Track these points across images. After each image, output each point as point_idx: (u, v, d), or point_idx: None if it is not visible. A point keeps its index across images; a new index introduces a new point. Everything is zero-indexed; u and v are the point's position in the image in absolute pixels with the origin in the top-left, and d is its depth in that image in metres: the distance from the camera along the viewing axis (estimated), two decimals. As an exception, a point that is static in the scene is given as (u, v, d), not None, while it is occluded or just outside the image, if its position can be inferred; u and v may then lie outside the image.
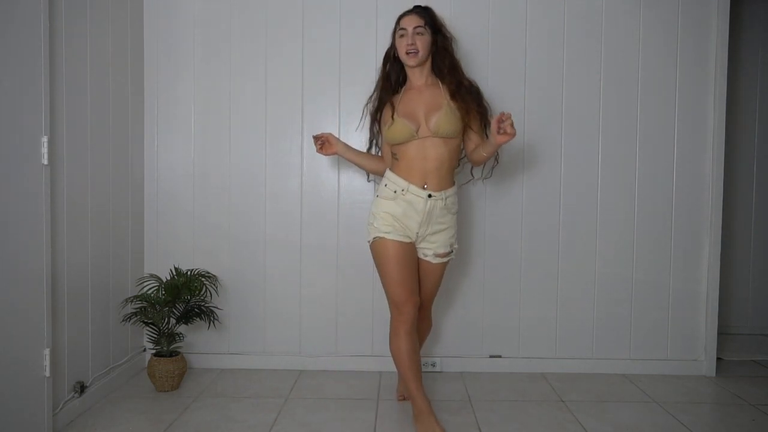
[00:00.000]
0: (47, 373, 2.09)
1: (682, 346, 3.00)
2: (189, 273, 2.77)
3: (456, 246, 2.36)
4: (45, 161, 2.07)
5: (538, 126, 2.95)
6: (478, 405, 2.53)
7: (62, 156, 2.24)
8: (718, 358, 3.03)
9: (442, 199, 2.23)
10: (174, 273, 2.77)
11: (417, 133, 2.20)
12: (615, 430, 2.29)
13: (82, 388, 2.36)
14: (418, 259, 2.33)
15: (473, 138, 2.30)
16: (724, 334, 3.57)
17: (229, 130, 2.99)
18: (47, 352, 2.09)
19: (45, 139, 2.07)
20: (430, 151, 2.21)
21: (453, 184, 2.29)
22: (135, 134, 2.89)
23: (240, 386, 2.74)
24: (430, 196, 2.21)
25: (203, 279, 2.77)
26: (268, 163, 2.98)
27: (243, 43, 2.97)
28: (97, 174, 2.50)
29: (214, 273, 2.92)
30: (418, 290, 2.28)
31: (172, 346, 2.71)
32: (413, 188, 2.21)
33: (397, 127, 2.22)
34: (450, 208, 2.27)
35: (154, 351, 2.72)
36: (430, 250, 2.29)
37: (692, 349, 3.00)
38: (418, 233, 2.24)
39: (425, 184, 2.21)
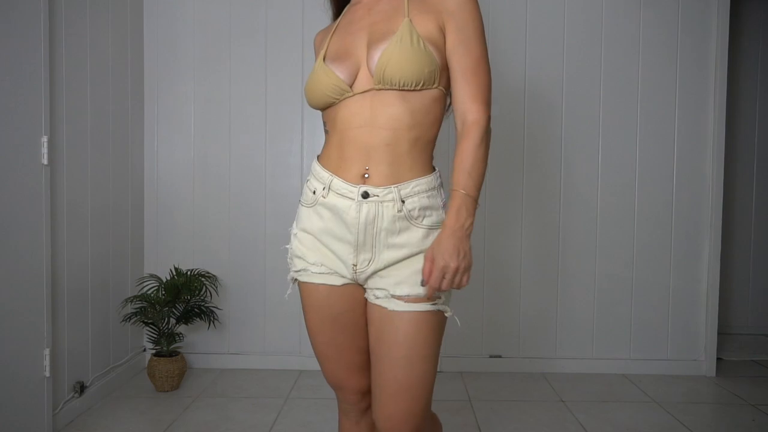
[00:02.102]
0: (47, 373, 2.09)
1: (682, 346, 3.00)
2: (189, 273, 2.77)
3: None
4: (45, 161, 2.07)
5: (538, 125, 2.95)
6: (478, 405, 2.53)
7: (62, 156, 2.24)
8: (718, 358, 3.03)
9: (393, 200, 1.20)
10: (174, 273, 2.77)
11: (352, 86, 1.23)
12: (615, 430, 2.29)
13: (82, 388, 2.36)
14: (367, 306, 1.28)
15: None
16: (724, 334, 3.57)
17: (229, 130, 2.99)
18: (47, 352, 2.09)
19: (45, 139, 2.07)
20: (378, 115, 1.20)
21: (425, 172, 1.24)
22: (135, 134, 2.89)
23: (240, 386, 2.74)
24: (365, 195, 1.20)
25: (203, 279, 2.77)
26: (268, 163, 2.98)
27: (243, 42, 2.97)
28: (97, 174, 2.50)
29: (214, 273, 2.92)
30: (366, 365, 1.33)
31: (172, 346, 2.71)
32: (338, 183, 1.23)
33: (315, 77, 1.26)
34: (414, 217, 1.22)
35: (154, 351, 2.72)
36: (381, 290, 1.23)
37: (692, 349, 3.00)
38: (355, 266, 1.24)
39: (365, 173, 1.22)
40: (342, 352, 1.31)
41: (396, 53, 1.17)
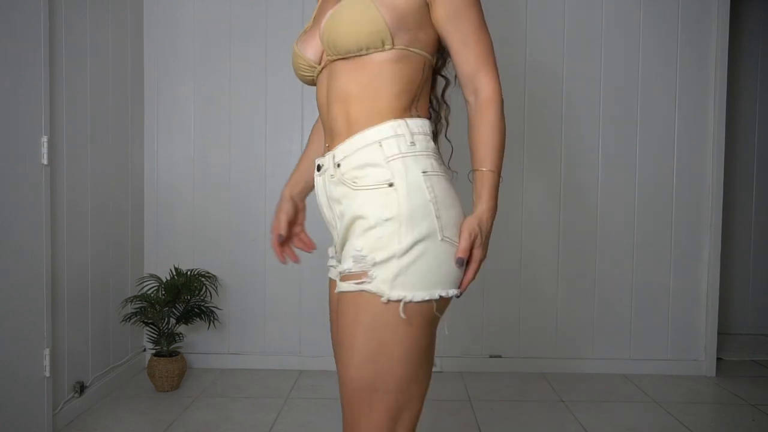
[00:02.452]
0: (47, 373, 2.09)
1: (682, 346, 3.00)
2: (189, 273, 2.77)
3: (378, 269, 1.02)
4: (45, 161, 2.07)
5: (538, 126, 2.95)
6: (478, 405, 2.53)
7: (62, 156, 2.24)
8: (718, 358, 3.03)
9: (330, 163, 1.11)
10: (174, 273, 2.77)
11: (320, 62, 1.16)
12: (615, 430, 2.29)
13: (82, 388, 2.36)
14: None
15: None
16: (724, 334, 3.57)
17: (229, 129, 2.99)
18: (47, 352, 2.09)
19: (45, 139, 2.07)
20: (331, 90, 1.12)
21: (376, 121, 1.07)
22: (135, 134, 2.89)
23: (240, 386, 2.74)
24: (318, 168, 1.16)
25: (203, 279, 2.77)
26: (268, 163, 2.98)
27: (243, 42, 2.96)
28: (97, 174, 2.50)
29: (214, 273, 2.91)
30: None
31: (172, 346, 2.71)
32: (318, 160, 1.17)
33: (293, 58, 1.21)
34: (350, 179, 1.08)
35: (153, 351, 2.72)
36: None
37: (692, 349, 3.00)
38: (335, 245, 1.20)
39: (328, 145, 1.15)
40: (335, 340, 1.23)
41: (336, 17, 1.07)
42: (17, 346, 1.95)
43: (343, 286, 1.05)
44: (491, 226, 1.06)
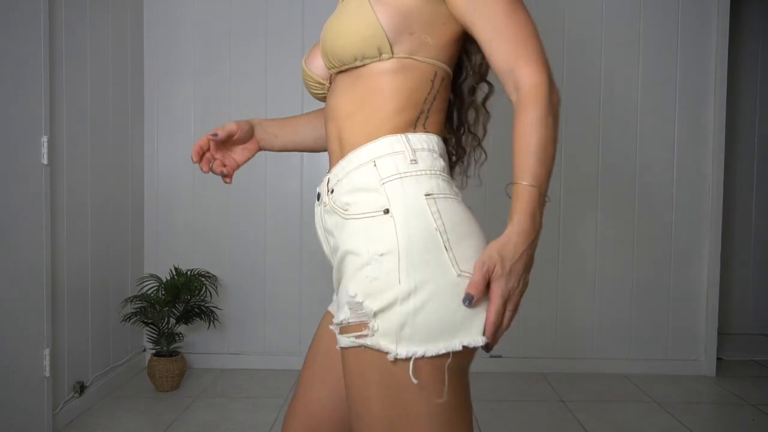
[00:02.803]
0: (47, 373, 2.09)
1: (682, 346, 3.00)
2: (189, 273, 2.77)
3: (376, 318, 0.83)
4: (45, 161, 2.07)
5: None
6: (478, 405, 2.53)
7: (62, 156, 2.24)
8: (718, 358, 3.03)
9: (325, 189, 0.97)
10: (174, 273, 2.77)
11: (324, 80, 1.04)
12: (615, 430, 2.29)
13: (82, 388, 2.36)
14: None
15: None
16: (724, 334, 3.56)
17: (229, 130, 2.99)
18: (47, 352, 2.09)
19: (45, 139, 2.07)
20: (331, 107, 0.98)
21: (371, 139, 0.91)
22: (135, 134, 2.89)
23: (240, 386, 2.74)
24: (318, 197, 1.00)
25: (203, 279, 2.77)
26: (268, 163, 2.98)
27: (243, 42, 2.96)
28: (97, 174, 2.50)
29: (214, 273, 2.91)
30: (321, 407, 1.03)
31: (172, 346, 2.71)
32: (318, 188, 1.01)
33: (303, 75, 1.08)
34: (341, 207, 0.92)
35: (153, 351, 2.72)
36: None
37: (692, 349, 3.00)
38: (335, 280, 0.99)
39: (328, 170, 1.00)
40: (303, 381, 1.08)
41: (331, 23, 0.94)
42: (17, 346, 1.95)
43: (342, 341, 0.86)
44: (525, 254, 0.82)
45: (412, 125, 0.91)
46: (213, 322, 2.81)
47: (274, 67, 2.97)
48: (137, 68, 2.90)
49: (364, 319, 0.83)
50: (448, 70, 0.94)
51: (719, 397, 2.67)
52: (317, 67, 1.03)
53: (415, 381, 0.79)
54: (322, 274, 3.00)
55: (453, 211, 0.86)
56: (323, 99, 1.06)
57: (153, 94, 2.98)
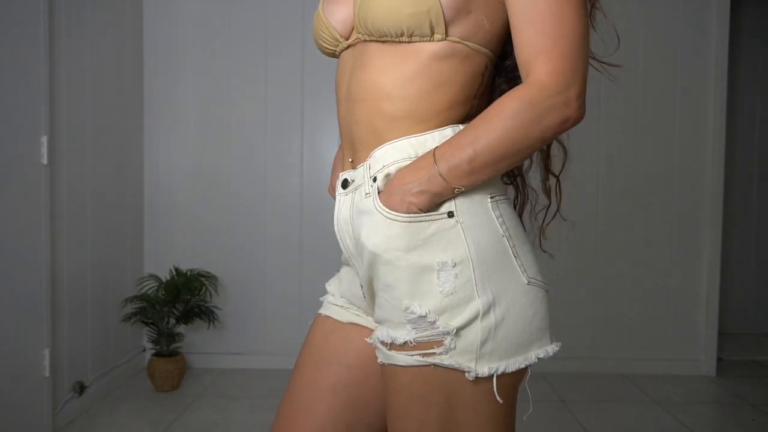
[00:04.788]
0: (47, 373, 2.09)
1: (682, 346, 3.00)
2: (189, 273, 2.77)
3: (437, 326, 0.75)
4: (45, 161, 2.07)
5: (538, 126, 2.95)
6: (478, 405, 2.53)
7: (62, 156, 2.24)
8: (718, 358, 3.03)
9: (364, 177, 0.82)
10: (174, 273, 2.77)
11: (349, 36, 0.86)
12: (615, 430, 2.29)
13: (81, 388, 2.36)
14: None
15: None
16: (724, 334, 3.57)
17: (229, 130, 2.99)
18: (47, 352, 2.09)
19: (45, 138, 2.07)
20: (354, 80, 0.84)
21: (415, 130, 0.80)
22: (135, 134, 2.89)
23: (240, 386, 2.74)
24: (344, 185, 0.86)
25: (203, 279, 2.77)
26: (268, 163, 2.98)
27: (243, 42, 2.96)
28: (97, 174, 2.50)
29: (214, 273, 2.91)
30: None
31: (171, 346, 2.71)
32: (344, 174, 0.88)
33: (314, 21, 0.90)
34: (372, 202, 0.79)
35: (153, 351, 2.72)
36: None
37: (692, 349, 3.00)
38: (362, 286, 0.87)
39: (350, 157, 0.87)
40: (294, 403, 1.02)
41: None
42: (17, 346, 1.95)
43: (402, 359, 0.76)
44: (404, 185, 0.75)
45: (463, 122, 0.81)
46: (213, 322, 2.81)
47: (274, 67, 2.97)
48: (137, 68, 2.90)
49: (437, 337, 0.74)
50: (495, 61, 0.83)
51: (719, 397, 2.68)
52: (339, 20, 0.85)
53: (500, 400, 0.76)
54: (322, 274, 3.00)
55: (511, 214, 0.81)
56: (329, 54, 0.91)
57: (153, 94, 2.98)
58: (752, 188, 3.76)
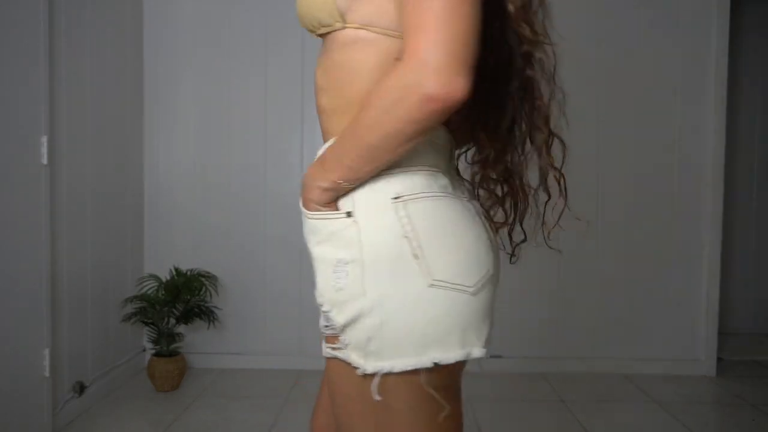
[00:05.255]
0: (47, 373, 2.09)
1: (682, 346, 3.00)
2: (189, 273, 2.77)
3: (334, 321, 0.78)
4: (45, 161, 2.07)
5: (538, 126, 2.95)
6: (478, 405, 2.53)
7: (62, 156, 2.24)
8: (718, 358, 3.03)
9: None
10: (174, 273, 2.77)
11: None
12: (615, 430, 2.29)
13: (81, 388, 2.36)
14: None
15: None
16: (724, 334, 3.56)
17: (229, 129, 2.99)
18: (47, 352, 2.09)
19: (45, 138, 2.07)
20: (315, 73, 0.86)
21: (343, 123, 0.78)
22: (135, 134, 2.89)
23: (240, 386, 2.74)
24: None
25: (203, 279, 2.77)
26: (268, 163, 2.98)
27: (243, 42, 2.96)
28: (97, 174, 2.50)
29: (214, 273, 2.91)
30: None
31: (171, 346, 2.71)
32: None
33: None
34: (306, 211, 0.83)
35: (153, 351, 2.72)
36: None
37: (692, 349, 3.00)
38: None
39: None
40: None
41: None
42: (17, 346, 1.95)
43: (323, 350, 0.82)
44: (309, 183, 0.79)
45: None
46: (213, 322, 2.81)
47: (274, 67, 2.97)
48: (137, 68, 2.90)
49: (335, 331, 0.77)
50: None
51: (719, 397, 2.67)
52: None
53: (377, 397, 0.75)
54: (322, 274, 3.00)
55: (428, 213, 0.75)
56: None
57: (153, 94, 2.97)
58: (752, 188, 3.75)
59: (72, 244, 2.31)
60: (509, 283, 2.98)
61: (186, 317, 2.72)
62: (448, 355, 0.74)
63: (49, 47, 2.10)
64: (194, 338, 3.00)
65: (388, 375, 0.74)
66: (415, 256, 0.73)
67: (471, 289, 0.75)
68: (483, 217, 0.82)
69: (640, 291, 2.99)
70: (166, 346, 2.69)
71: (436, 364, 0.74)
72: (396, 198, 0.75)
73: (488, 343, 0.80)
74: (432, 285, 0.73)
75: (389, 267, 0.74)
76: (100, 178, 2.54)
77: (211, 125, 2.99)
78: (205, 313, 2.75)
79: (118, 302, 2.68)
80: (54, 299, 2.17)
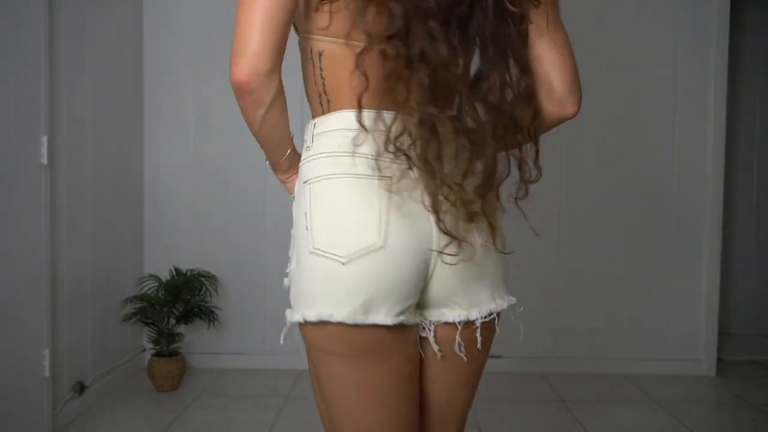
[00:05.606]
0: (47, 373, 2.09)
1: (682, 346, 3.00)
2: (189, 273, 2.77)
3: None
4: (45, 161, 2.07)
5: (538, 126, 2.95)
6: (479, 405, 2.53)
7: (62, 156, 2.24)
8: (718, 358, 3.03)
9: None
10: (174, 273, 2.77)
11: None
12: (615, 430, 2.29)
13: (81, 388, 2.36)
14: None
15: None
16: (724, 334, 3.56)
17: (228, 129, 2.99)
18: (47, 352, 2.09)
19: (45, 139, 2.07)
20: None
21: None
22: (135, 134, 2.89)
23: (240, 386, 2.74)
24: None
25: (203, 279, 2.77)
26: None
27: (243, 43, 2.96)
28: (97, 174, 2.50)
29: (214, 273, 2.91)
30: None
31: (171, 346, 2.71)
32: None
33: None
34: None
35: (153, 351, 2.72)
36: None
37: (692, 349, 3.00)
38: None
39: None
40: None
41: None
42: (17, 346, 1.95)
43: None
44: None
45: (322, 110, 0.93)
46: (213, 322, 2.81)
47: (274, 67, 2.96)
48: (137, 68, 2.90)
49: None
50: (331, 43, 0.86)
51: (719, 397, 2.68)
52: None
53: (281, 342, 0.94)
54: (322, 274, 3.00)
55: (322, 192, 0.86)
56: None
57: (153, 95, 2.97)
58: (752, 188, 3.75)
59: (72, 244, 2.31)
60: (509, 283, 2.99)
61: (186, 317, 2.72)
62: (310, 312, 0.85)
63: (49, 47, 2.10)
64: (194, 338, 3.00)
65: (302, 326, 0.89)
66: (306, 228, 0.87)
67: (343, 259, 0.83)
68: (395, 194, 0.84)
69: (640, 291, 2.99)
70: (166, 346, 2.69)
71: (305, 320, 0.86)
72: (305, 181, 0.89)
73: (366, 314, 0.83)
74: (312, 252, 0.86)
75: (297, 234, 0.90)
76: (100, 178, 2.54)
77: (211, 125, 2.99)
78: (205, 313, 2.75)
79: (118, 302, 2.68)
80: (54, 299, 2.17)
